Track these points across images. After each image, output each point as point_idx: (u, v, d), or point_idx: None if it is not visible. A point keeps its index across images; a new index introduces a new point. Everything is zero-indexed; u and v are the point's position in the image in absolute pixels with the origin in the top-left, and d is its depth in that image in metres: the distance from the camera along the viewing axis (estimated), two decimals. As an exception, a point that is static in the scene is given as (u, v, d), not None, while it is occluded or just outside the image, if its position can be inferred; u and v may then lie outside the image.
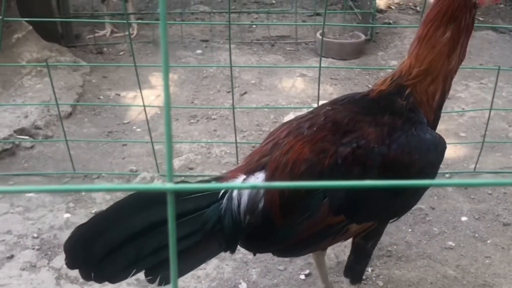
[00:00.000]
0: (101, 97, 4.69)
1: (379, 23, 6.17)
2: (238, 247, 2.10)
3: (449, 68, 2.12)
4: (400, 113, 2.08)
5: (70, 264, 1.93)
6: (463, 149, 3.88)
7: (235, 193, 1.99)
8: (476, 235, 3.08)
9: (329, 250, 3.00)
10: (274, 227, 2.03)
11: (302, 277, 2.77)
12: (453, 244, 3.01)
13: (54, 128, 4.08)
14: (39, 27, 5.09)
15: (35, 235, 3.03)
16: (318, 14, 6.57)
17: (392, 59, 5.44)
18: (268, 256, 2.89)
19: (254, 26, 6.32)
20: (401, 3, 7.09)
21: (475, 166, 3.59)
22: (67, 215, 3.20)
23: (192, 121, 4.29)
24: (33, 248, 2.94)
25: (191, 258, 2.03)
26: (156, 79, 4.99)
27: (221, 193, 2.00)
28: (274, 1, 7.25)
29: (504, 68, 3.64)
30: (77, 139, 3.96)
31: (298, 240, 2.07)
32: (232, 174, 2.06)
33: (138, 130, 4.19)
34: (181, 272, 2.08)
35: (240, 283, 2.74)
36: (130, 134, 4.13)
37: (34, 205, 3.29)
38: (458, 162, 3.73)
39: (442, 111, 2.26)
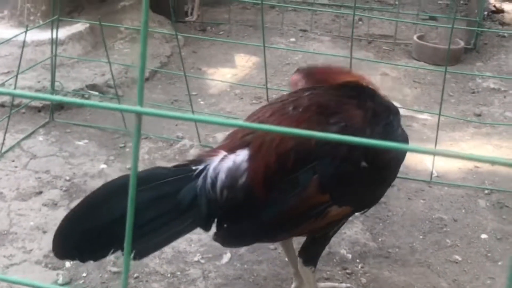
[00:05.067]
0: (182, 69, 4.92)
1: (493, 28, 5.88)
2: None
3: None
4: (378, 101, 2.20)
5: (60, 255, 2.09)
6: (519, 169, 3.65)
7: (210, 171, 2.02)
8: (489, 254, 2.91)
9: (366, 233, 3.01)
10: (255, 204, 2.04)
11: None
12: (460, 259, 2.88)
13: (126, 90, 4.38)
14: (150, -2, 5.44)
15: (68, 178, 3.31)
16: (433, 18, 6.39)
17: (488, 71, 5.17)
18: (264, 234, 2.94)
19: (360, 22, 6.29)
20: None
21: (517, 188, 3.38)
22: (103, 165, 3.46)
23: (254, 101, 4.41)
24: (61, 189, 3.22)
25: (165, 233, 2.04)
26: (241, 59, 5.15)
27: (195, 173, 2.03)
28: (397, 2, 7.11)
29: None
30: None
31: (279, 221, 2.09)
32: (213, 152, 2.10)
33: (202, 102, 4.38)
34: (156, 247, 2.13)
35: (226, 253, 2.83)
36: (193, 105, 4.32)
37: (79, 153, 3.58)
38: (507, 181, 3.50)
39: None
